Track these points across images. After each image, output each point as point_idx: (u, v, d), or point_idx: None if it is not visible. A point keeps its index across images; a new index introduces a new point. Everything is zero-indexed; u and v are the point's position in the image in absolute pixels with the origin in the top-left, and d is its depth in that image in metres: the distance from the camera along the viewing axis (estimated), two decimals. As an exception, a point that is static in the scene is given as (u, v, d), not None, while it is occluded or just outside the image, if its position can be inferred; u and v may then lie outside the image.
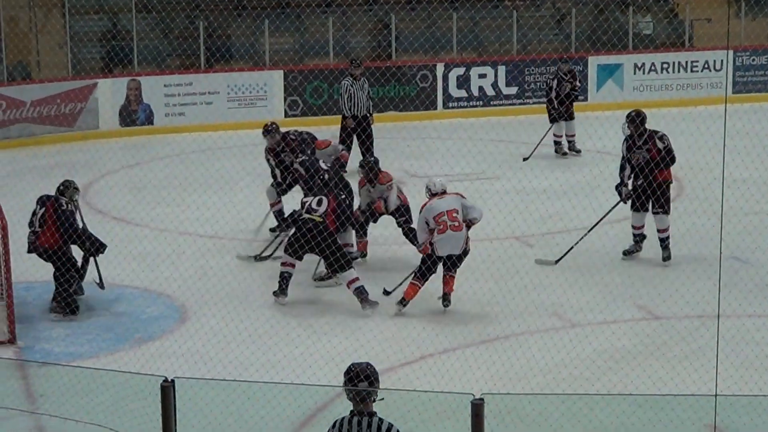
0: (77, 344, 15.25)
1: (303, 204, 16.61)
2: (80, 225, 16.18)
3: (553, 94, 25.23)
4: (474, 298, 16.24)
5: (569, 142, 25.68)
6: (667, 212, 17.96)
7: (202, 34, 29.33)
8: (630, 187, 18.04)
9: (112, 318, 16.01)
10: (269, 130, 19.76)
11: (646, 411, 11.27)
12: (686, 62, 31.73)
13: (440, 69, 30.31)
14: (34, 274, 16.66)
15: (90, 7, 30.04)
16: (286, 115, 29.27)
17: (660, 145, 17.73)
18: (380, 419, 8.72)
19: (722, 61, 31.66)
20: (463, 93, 30.46)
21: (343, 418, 8.70)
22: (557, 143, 25.65)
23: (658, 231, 18.01)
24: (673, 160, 17.93)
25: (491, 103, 30.83)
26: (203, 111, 28.66)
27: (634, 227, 18.20)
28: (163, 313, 16.47)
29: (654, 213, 17.96)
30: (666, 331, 15.33)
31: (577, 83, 26.03)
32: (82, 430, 10.12)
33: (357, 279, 16.20)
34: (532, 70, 30.77)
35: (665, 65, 31.65)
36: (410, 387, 13.39)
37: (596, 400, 11.34)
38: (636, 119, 17.90)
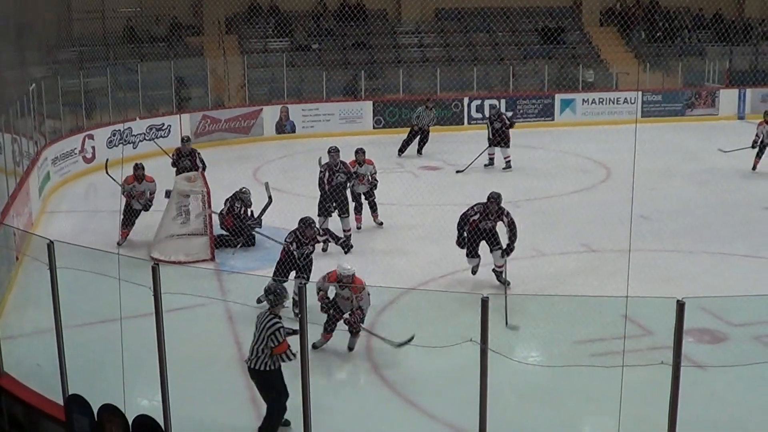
0: (252, 262, 15.41)
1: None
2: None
3: (490, 130, 23.01)
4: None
5: (506, 161, 23.10)
6: (506, 252, 13.95)
7: (324, 81, 29.43)
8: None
9: (272, 249, 15.80)
10: (337, 149, 16.91)
11: (586, 307, 11.30)
12: (614, 98, 31.36)
13: (466, 101, 30.19)
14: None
15: (260, 63, 30.24)
16: (374, 127, 29.33)
17: (506, 220, 13.79)
18: (278, 319, 9.09)
19: (634, 97, 31.48)
20: (479, 115, 30.31)
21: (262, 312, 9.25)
22: (491, 160, 23.19)
23: (496, 266, 14.21)
24: (515, 235, 13.83)
25: (496, 121, 30.76)
26: (324, 125, 28.65)
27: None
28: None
29: (495, 250, 14.13)
30: (598, 258, 15.30)
31: (507, 122, 23.35)
32: (253, 311, 10.21)
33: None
34: (521, 102, 30.59)
35: (601, 100, 31.26)
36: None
37: (556, 300, 11.35)
38: (497, 199, 13.77)
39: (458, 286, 13.93)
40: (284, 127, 28.45)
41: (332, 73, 30.23)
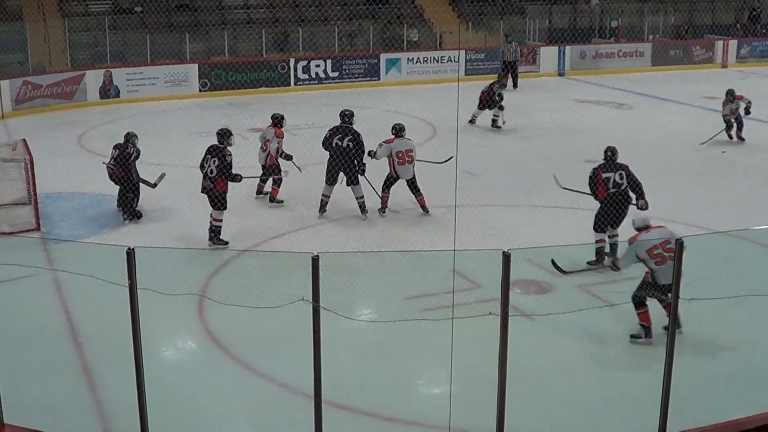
0: (78, 229, 14.89)
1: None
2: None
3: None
4: (315, 190, 16.16)
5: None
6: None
7: (148, 44, 28.85)
8: None
9: (100, 215, 15.56)
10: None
11: (417, 262, 11.42)
12: (438, 57, 31.78)
13: (292, 62, 30.02)
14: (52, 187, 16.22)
15: (81, 27, 29.45)
16: (200, 90, 28.86)
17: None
18: None
19: (458, 56, 31.97)
20: (306, 76, 30.23)
21: None
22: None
23: None
24: None
25: (323, 81, 30.61)
26: (149, 89, 28.13)
27: None
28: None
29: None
30: (428, 215, 15.44)
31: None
32: (82, 279, 9.90)
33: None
34: (347, 62, 30.64)
35: (425, 59, 31.69)
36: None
37: (387, 256, 11.43)
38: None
39: (289, 246, 13.87)
40: (108, 91, 27.75)
41: (156, 36, 29.66)
